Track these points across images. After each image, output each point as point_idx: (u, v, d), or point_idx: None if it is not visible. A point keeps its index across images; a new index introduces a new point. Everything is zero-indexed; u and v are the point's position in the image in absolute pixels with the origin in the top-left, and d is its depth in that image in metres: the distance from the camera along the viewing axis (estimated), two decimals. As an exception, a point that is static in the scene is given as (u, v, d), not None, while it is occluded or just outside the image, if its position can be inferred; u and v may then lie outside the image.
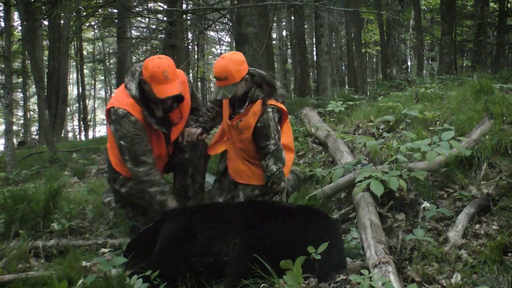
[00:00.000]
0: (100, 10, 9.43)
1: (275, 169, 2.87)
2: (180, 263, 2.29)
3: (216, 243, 2.30)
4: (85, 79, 21.44)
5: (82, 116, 18.89)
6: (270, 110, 2.83)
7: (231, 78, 2.74)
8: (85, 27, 14.04)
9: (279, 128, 2.91)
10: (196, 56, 19.35)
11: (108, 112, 2.91)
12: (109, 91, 22.88)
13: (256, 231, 2.23)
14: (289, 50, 19.56)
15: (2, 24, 7.68)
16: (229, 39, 20.10)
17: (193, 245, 2.35)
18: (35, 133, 15.84)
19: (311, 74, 17.80)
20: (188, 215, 2.58)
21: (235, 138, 3.02)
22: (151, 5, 12.48)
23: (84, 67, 20.04)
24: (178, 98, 3.02)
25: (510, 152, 3.11)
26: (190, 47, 16.56)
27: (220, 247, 2.27)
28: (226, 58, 2.78)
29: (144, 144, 2.90)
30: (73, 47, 16.88)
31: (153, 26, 11.88)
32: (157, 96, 2.78)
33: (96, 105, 26.30)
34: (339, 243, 2.26)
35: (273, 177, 2.89)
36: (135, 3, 11.45)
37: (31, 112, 19.56)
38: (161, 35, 10.46)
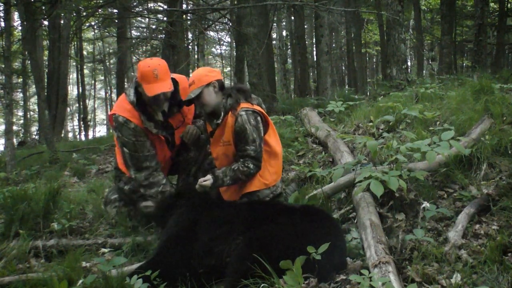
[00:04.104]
0: (100, 10, 9.41)
1: (252, 167, 2.74)
2: (181, 263, 2.29)
3: (218, 244, 2.30)
4: (85, 79, 21.42)
5: (82, 116, 18.86)
6: (243, 113, 2.74)
7: (198, 81, 2.81)
8: (85, 27, 14.03)
9: (261, 131, 2.78)
10: (196, 56, 19.34)
11: (111, 119, 2.96)
12: (109, 91, 22.90)
13: (259, 231, 2.23)
14: (289, 50, 19.53)
15: (2, 24, 7.67)
16: (229, 39, 20.12)
17: (195, 246, 2.34)
18: (35, 133, 15.83)
19: (311, 74, 17.78)
20: (189, 215, 2.57)
21: (222, 153, 2.95)
22: (151, 5, 12.49)
23: (84, 67, 20.02)
24: (179, 103, 3.02)
25: (510, 152, 3.11)
26: (190, 47, 16.55)
27: (222, 248, 2.27)
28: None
29: (146, 150, 2.93)
30: (73, 47, 16.86)
31: (153, 26, 11.86)
32: (148, 95, 2.78)
33: (96, 105, 26.30)
34: (342, 244, 2.26)
35: (243, 172, 2.74)
36: (135, 3, 11.44)
37: (31, 112, 19.54)
38: (161, 35, 10.44)
